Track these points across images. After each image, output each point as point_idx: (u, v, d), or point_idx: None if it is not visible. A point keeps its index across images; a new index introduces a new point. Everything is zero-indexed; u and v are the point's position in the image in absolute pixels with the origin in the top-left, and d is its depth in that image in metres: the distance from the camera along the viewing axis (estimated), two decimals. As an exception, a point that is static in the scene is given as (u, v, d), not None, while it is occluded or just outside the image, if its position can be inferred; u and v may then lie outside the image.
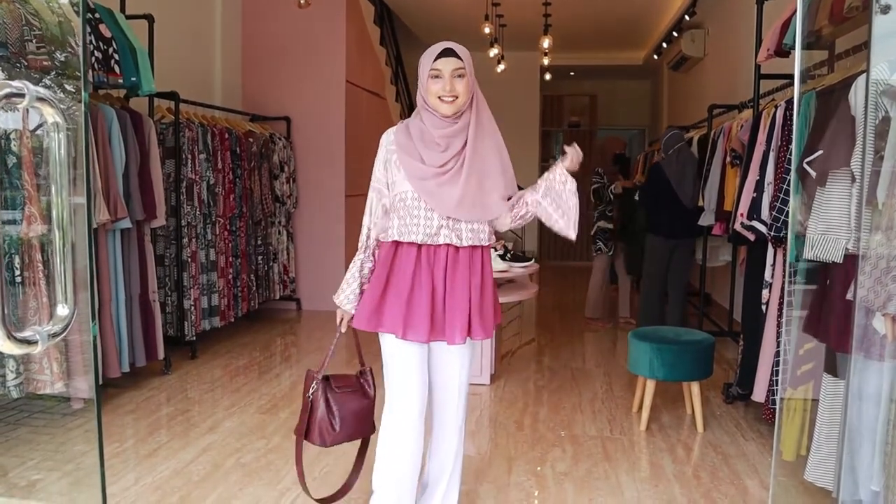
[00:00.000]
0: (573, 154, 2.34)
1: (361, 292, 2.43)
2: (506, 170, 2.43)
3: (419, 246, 2.30)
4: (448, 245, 2.30)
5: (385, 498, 2.44)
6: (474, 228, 2.32)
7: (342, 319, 2.49)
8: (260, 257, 6.39)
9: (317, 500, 2.65)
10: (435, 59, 2.25)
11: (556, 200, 2.35)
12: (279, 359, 5.39)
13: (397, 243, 2.32)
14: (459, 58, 2.26)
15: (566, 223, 2.36)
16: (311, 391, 2.49)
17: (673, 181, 5.34)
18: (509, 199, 2.43)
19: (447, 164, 2.28)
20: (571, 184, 2.34)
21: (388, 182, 2.37)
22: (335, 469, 3.21)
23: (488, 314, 2.39)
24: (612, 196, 6.40)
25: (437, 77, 2.25)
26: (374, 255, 2.42)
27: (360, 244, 2.45)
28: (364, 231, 2.43)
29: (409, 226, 2.28)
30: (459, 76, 2.25)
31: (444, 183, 2.27)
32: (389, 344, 2.37)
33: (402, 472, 2.42)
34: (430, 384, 2.50)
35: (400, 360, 2.36)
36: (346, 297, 2.44)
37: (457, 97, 2.25)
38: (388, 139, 2.38)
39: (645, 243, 5.70)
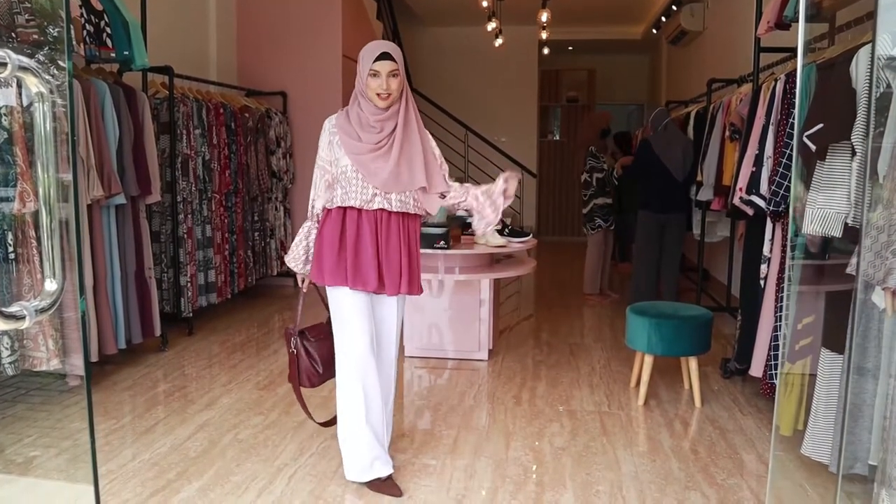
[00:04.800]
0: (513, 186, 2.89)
1: (306, 255, 2.86)
2: (435, 158, 2.83)
3: (359, 210, 2.69)
4: (381, 210, 2.70)
5: (364, 434, 2.78)
6: (402, 199, 2.72)
7: (304, 280, 2.92)
8: (257, 233, 6.36)
9: (320, 424, 3.09)
10: (374, 61, 2.61)
11: (490, 199, 2.87)
12: (276, 335, 5.38)
13: (343, 209, 2.71)
14: (394, 60, 2.64)
15: (494, 216, 2.88)
16: (293, 346, 2.92)
17: (661, 155, 5.50)
18: (454, 182, 2.91)
19: (381, 142, 2.67)
20: (506, 201, 2.89)
21: (332, 160, 2.73)
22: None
23: (416, 274, 2.81)
24: (616, 182, 6.41)
25: (375, 76, 2.62)
26: (318, 223, 2.80)
27: (308, 214, 2.84)
28: (310, 203, 2.82)
29: (348, 193, 2.69)
30: (394, 76, 2.63)
31: (377, 158, 2.66)
32: (342, 294, 2.73)
33: (373, 404, 2.77)
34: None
35: (351, 306, 2.73)
36: (294, 259, 2.89)
37: (391, 94, 2.64)
38: (331, 123, 2.76)
39: (637, 219, 5.79)
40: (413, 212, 2.77)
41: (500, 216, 2.90)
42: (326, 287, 2.77)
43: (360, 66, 2.66)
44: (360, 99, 2.71)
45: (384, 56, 2.62)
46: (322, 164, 2.76)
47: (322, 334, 2.95)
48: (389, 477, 2.85)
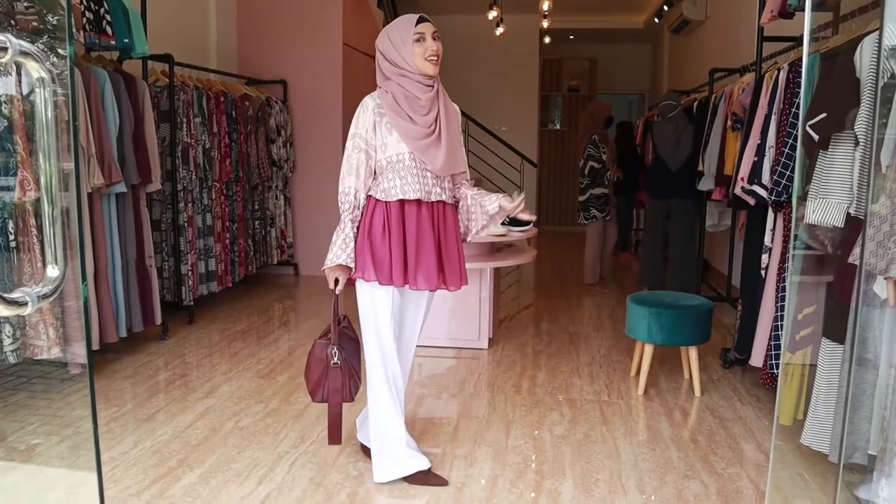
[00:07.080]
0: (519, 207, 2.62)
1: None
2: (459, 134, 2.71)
3: (419, 203, 2.54)
4: (440, 202, 2.60)
5: (403, 433, 2.72)
6: (449, 187, 2.64)
7: (337, 281, 2.58)
8: (257, 222, 6.36)
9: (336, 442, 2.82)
10: (417, 24, 2.47)
11: (483, 213, 2.71)
12: (277, 324, 5.39)
13: (401, 202, 2.53)
14: (433, 23, 2.51)
15: (477, 229, 2.73)
16: (335, 358, 2.66)
17: (656, 142, 5.66)
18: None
19: (431, 125, 2.52)
20: (497, 221, 2.74)
21: (378, 145, 2.54)
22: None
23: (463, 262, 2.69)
24: (606, 181, 6.38)
25: (420, 40, 2.46)
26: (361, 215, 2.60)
27: (347, 205, 2.57)
28: (351, 192, 2.56)
29: (410, 184, 2.52)
30: (438, 39, 2.50)
31: (432, 143, 2.51)
32: (386, 296, 2.58)
33: (402, 401, 2.75)
34: (401, 325, 2.76)
35: (390, 309, 2.60)
36: (349, 256, 2.55)
37: (439, 57, 2.49)
38: (375, 103, 2.55)
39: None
40: (451, 200, 2.67)
41: (487, 228, 2.73)
42: (368, 286, 2.58)
43: (397, 39, 2.49)
44: (396, 79, 2.52)
45: (424, 18, 2.48)
46: (365, 148, 2.53)
47: (344, 340, 2.72)
48: (430, 469, 2.82)
